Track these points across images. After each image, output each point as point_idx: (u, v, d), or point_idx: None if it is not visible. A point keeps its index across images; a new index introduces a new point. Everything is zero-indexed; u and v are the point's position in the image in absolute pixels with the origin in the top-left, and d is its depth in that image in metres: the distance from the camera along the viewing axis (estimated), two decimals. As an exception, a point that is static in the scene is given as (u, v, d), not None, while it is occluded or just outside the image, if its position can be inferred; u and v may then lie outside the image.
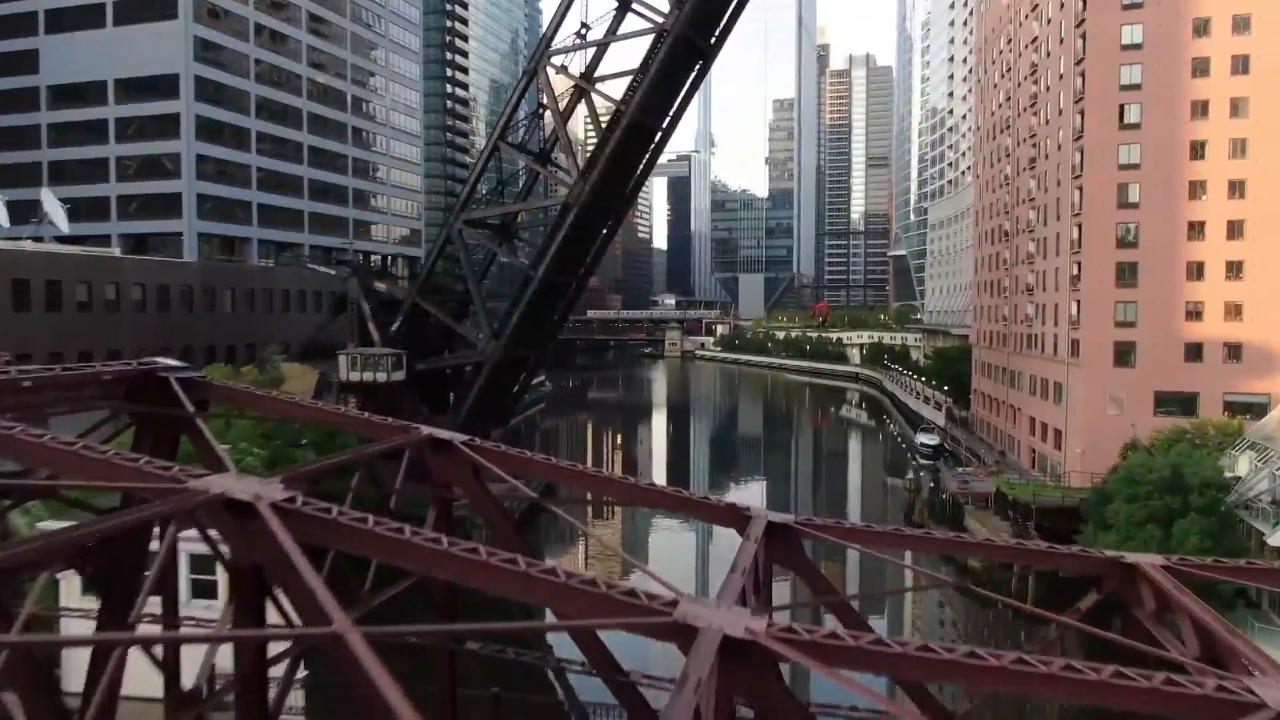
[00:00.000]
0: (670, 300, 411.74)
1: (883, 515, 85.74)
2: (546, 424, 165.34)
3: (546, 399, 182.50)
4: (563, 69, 74.77)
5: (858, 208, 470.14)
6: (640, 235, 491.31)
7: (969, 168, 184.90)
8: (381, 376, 73.17)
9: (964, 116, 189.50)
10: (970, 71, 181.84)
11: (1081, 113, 72.05)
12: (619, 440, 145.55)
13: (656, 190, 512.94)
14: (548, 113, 74.54)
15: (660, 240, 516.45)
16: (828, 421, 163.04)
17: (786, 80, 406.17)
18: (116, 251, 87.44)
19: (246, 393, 11.99)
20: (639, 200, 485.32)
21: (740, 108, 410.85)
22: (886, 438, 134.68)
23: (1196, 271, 67.90)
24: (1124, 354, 69.45)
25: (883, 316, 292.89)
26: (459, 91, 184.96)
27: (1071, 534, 61.74)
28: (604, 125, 70.61)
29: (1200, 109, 67.44)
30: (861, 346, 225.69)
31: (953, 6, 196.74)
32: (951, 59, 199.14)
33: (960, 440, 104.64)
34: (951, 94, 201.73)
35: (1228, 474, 48.02)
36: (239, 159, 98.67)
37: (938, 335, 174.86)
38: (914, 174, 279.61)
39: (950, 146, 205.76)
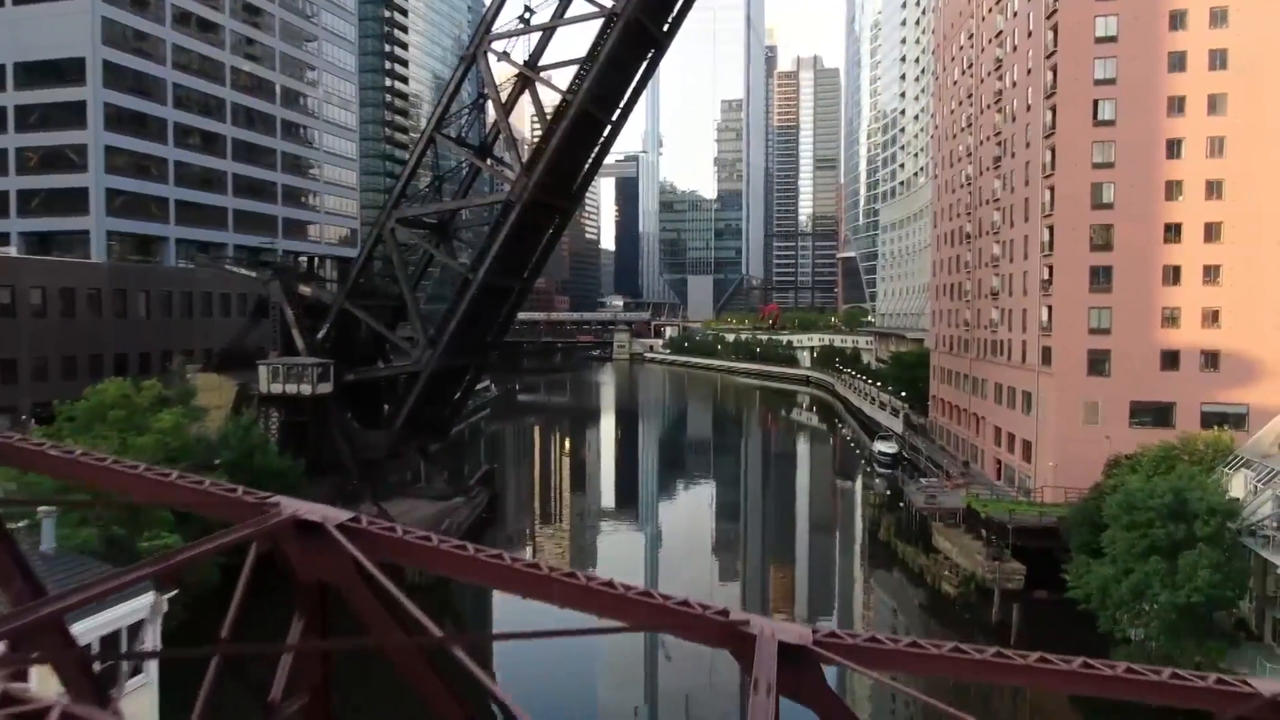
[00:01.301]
0: (619, 302, 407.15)
1: (847, 534, 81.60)
2: (492, 429, 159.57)
3: (491, 404, 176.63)
4: (504, 56, 69.25)
5: (805, 209, 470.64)
6: (588, 236, 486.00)
7: (922, 169, 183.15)
8: (306, 388, 66.98)
9: (916, 117, 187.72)
10: (924, 70, 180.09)
11: (1053, 109, 68.66)
12: (567, 447, 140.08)
13: (604, 191, 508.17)
14: (489, 104, 68.98)
15: (608, 241, 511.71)
16: (781, 427, 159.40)
17: (735, 81, 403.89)
18: (13, 251, 79.84)
19: (35, 451, 7.67)
20: (587, 200, 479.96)
21: (688, 108, 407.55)
22: (842, 445, 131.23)
23: (1173, 276, 64.84)
24: (1098, 362, 66.15)
25: (833, 319, 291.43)
26: (399, 85, 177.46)
27: (1051, 555, 58.16)
28: (550, 117, 65.37)
29: (1177, 105, 64.39)
30: (812, 349, 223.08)
31: (904, 6, 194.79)
32: (904, 59, 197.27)
33: (920, 449, 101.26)
34: (904, 94, 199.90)
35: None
36: (154, 151, 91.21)
37: (891, 338, 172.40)
38: (863, 176, 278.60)
39: (902, 147, 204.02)
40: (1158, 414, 65.27)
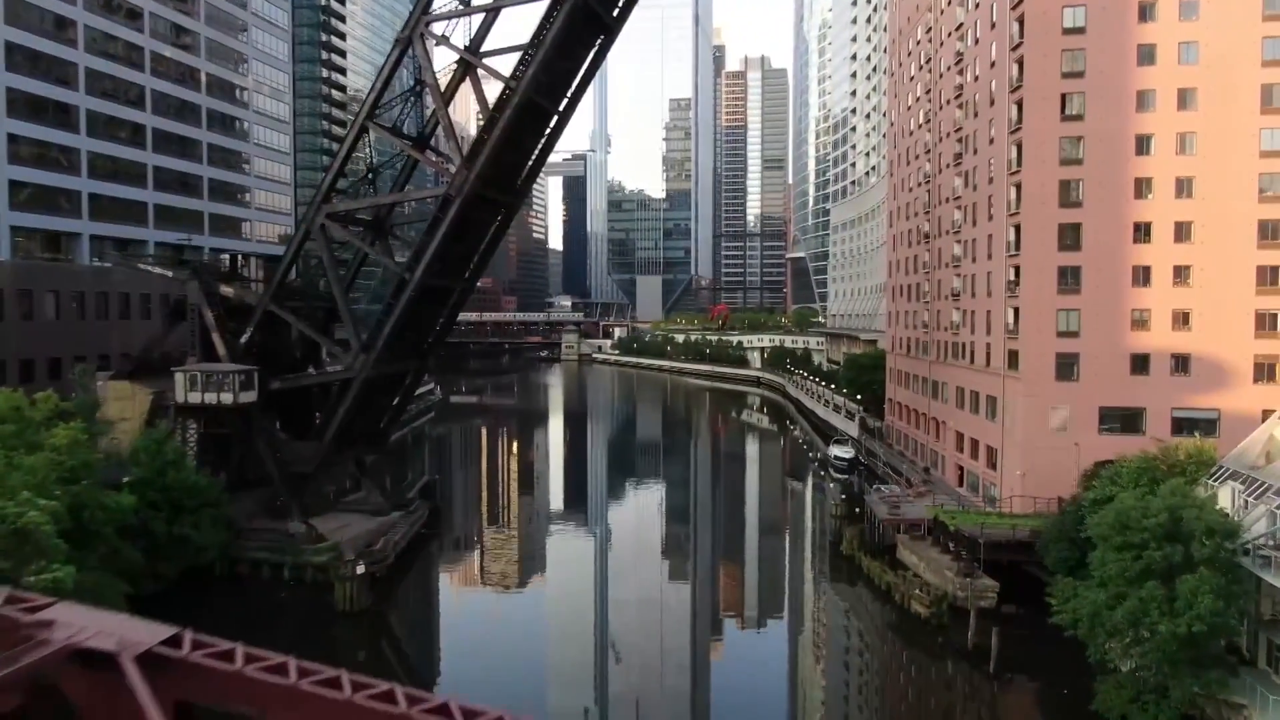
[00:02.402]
0: (567, 302, 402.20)
1: (807, 546, 78.39)
2: (439, 430, 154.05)
3: (437, 407, 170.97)
4: (444, 40, 64.66)
5: (754, 209, 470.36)
6: (536, 235, 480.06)
7: (874, 168, 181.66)
8: (227, 398, 61.63)
9: (868, 116, 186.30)
10: (875, 69, 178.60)
11: (1019, 103, 66.05)
12: (514, 451, 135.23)
13: (552, 190, 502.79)
14: (428, 91, 64.24)
15: (556, 241, 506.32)
16: (733, 430, 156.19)
17: (683, 80, 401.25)
18: (-97, 248, 73.10)
19: None
20: (534, 199, 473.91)
21: (636, 107, 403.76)
22: (796, 449, 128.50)
23: (1143, 277, 62.60)
24: (1066, 366, 63.66)
25: (783, 319, 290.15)
26: (337, 77, 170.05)
27: (1021, 569, 55.38)
28: (492, 106, 60.88)
29: (1146, 100, 62.13)
30: (763, 350, 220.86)
31: (855, 3, 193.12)
32: (854, 57, 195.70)
33: (878, 454, 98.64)
34: (854, 93, 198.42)
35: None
36: (64, 140, 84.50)
37: (843, 339, 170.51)
38: (812, 175, 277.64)
39: (853, 146, 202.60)
40: (1127, 420, 63.06)
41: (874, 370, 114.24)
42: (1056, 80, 63.30)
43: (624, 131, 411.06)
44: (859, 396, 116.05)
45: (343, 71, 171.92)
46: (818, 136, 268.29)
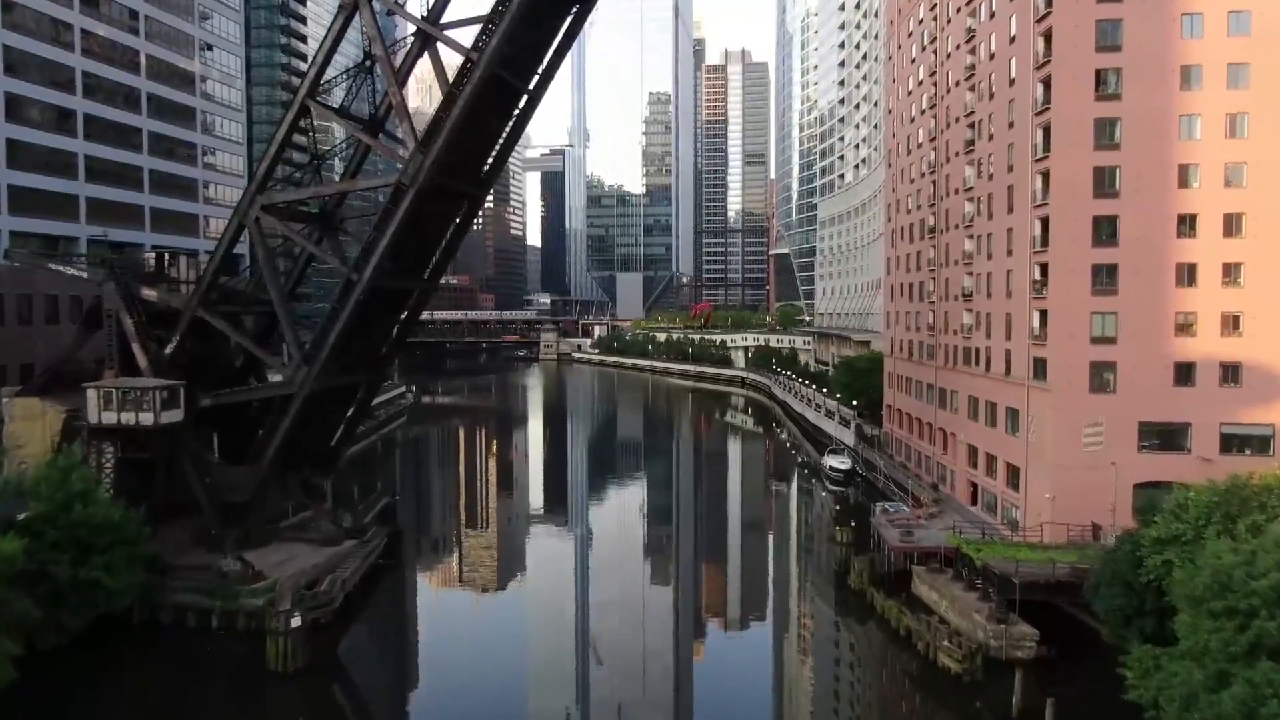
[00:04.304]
0: (546, 300, 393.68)
1: (810, 574, 70.82)
2: (414, 432, 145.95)
3: (409, 411, 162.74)
4: (397, 6, 56.80)
5: (735, 205, 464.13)
6: (514, 232, 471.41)
7: (864, 160, 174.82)
8: (147, 417, 53.46)
9: (858, 106, 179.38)
10: (866, 56, 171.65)
11: (1044, 82, 58.92)
12: (489, 458, 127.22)
13: (530, 185, 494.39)
14: (380, 66, 56.14)
15: (534, 237, 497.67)
16: (721, 437, 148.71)
17: (663, 73, 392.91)
18: None
19: None
20: (512, 195, 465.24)
21: (615, 101, 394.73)
22: (785, 456, 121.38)
23: (1187, 276, 55.68)
24: (1101, 376, 56.65)
25: (767, 318, 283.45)
26: (297, 63, 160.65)
27: (1055, 609, 48.28)
28: (451, 82, 53.03)
29: (1192, 76, 55.13)
30: (747, 350, 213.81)
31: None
32: (843, 45, 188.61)
33: (878, 466, 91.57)
34: (843, 82, 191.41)
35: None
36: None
37: (832, 339, 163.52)
38: (796, 170, 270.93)
39: (841, 138, 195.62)
40: (1169, 436, 56.23)
41: (870, 374, 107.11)
42: (1090, 54, 56.17)
43: (603, 126, 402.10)
44: (854, 402, 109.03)
45: (304, 58, 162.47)
46: (802, 130, 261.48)
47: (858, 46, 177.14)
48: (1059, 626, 47.77)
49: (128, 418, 53.89)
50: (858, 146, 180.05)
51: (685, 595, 65.70)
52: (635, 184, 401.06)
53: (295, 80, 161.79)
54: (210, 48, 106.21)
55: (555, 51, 58.22)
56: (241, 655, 48.98)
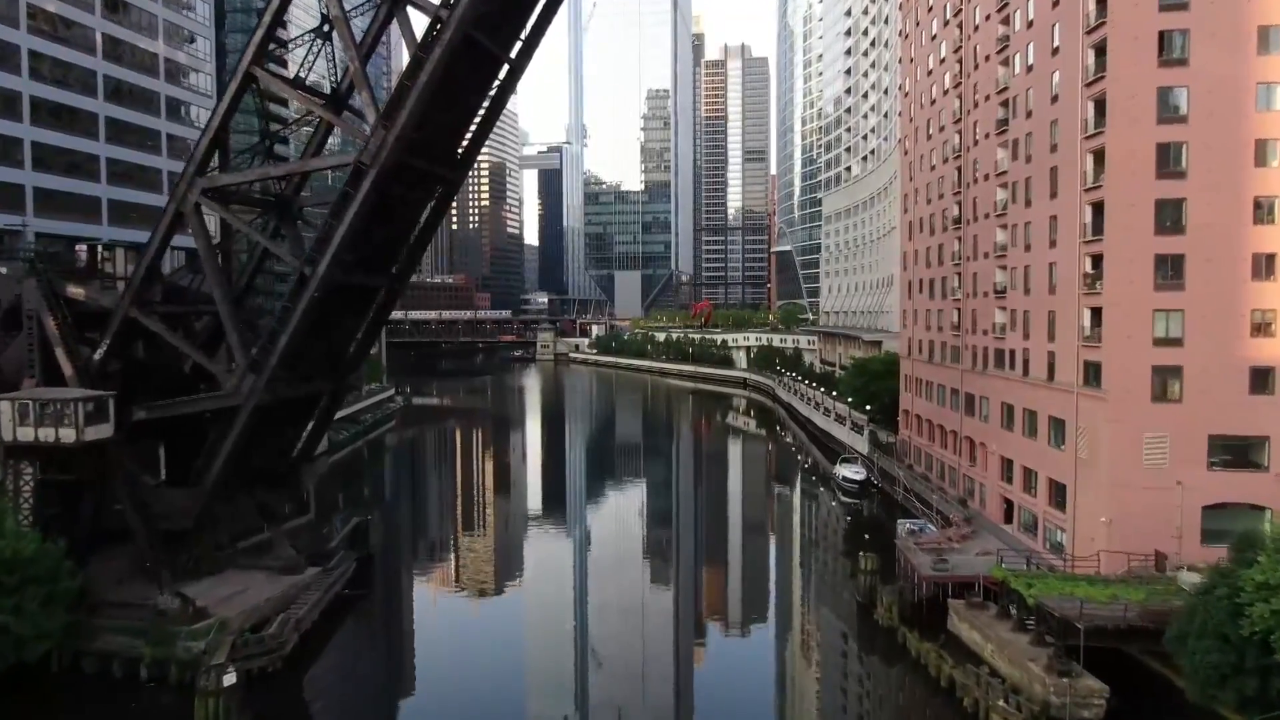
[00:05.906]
0: (543, 299, 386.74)
1: (831, 604, 63.39)
2: (402, 437, 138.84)
3: (399, 414, 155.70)
4: (357, -39, 49.63)
5: (735, 203, 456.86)
6: (510, 231, 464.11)
7: (873, 151, 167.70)
8: (68, 433, 46.29)
9: (865, 94, 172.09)
10: (874, 41, 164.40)
11: (1097, 47, 51.76)
12: (481, 470, 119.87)
13: (527, 183, 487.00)
14: (336, 29, 48.88)
15: (531, 236, 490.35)
16: (724, 444, 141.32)
17: (661, 69, 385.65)
18: None
19: None
20: (509, 193, 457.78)
21: (613, 98, 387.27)
22: (790, 462, 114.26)
23: (1265, 267, 48.56)
24: (1165, 383, 49.50)
25: (769, 317, 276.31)
26: (273, 47, 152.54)
27: (1136, 668, 41.18)
28: (418, 45, 45.84)
29: (1271, 38, 48.01)
30: (749, 349, 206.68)
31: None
32: (849, 32, 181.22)
33: (896, 476, 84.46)
34: (848, 71, 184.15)
35: None
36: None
37: (839, 340, 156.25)
38: (798, 165, 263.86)
39: (848, 129, 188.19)
40: (1243, 451, 49.09)
41: (885, 377, 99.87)
42: (1153, 13, 49.02)
43: (601, 123, 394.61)
44: (868, 407, 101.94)
45: (284, 45, 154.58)
46: (805, 124, 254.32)
47: (865, 33, 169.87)
48: (1129, 677, 40.79)
49: (47, 434, 46.70)
50: (866, 137, 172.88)
51: (687, 608, 58.63)
52: (634, 181, 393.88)
53: (276, 67, 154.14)
54: (174, 26, 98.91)
55: (541, 13, 51.05)
56: (176, 713, 41.67)
